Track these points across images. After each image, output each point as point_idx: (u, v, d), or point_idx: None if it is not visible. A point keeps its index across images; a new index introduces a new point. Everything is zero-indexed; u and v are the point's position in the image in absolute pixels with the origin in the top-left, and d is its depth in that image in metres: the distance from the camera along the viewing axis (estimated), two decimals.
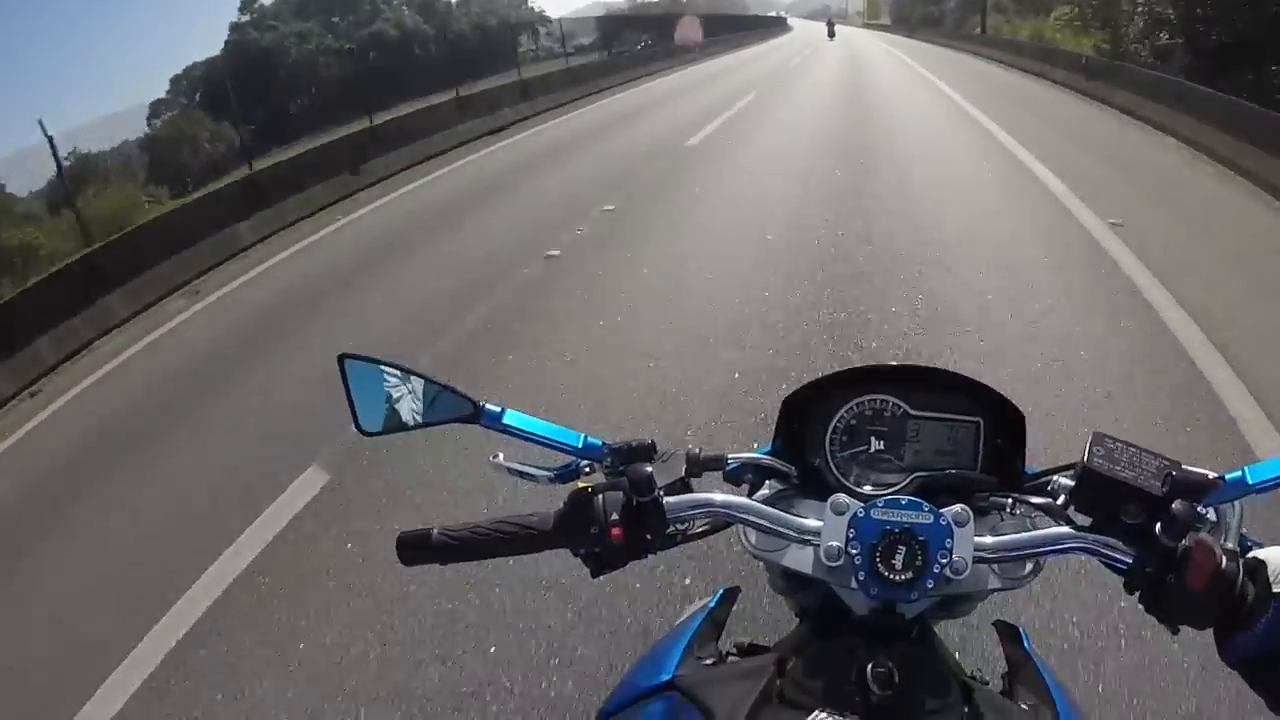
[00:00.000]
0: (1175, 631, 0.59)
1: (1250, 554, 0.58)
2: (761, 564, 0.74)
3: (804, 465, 0.80)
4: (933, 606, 0.71)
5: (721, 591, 0.91)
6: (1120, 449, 0.63)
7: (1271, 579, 0.54)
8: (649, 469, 0.65)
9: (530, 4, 67.86)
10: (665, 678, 0.70)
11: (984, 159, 7.54)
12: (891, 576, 0.61)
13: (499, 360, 3.92)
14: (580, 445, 0.75)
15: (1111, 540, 0.61)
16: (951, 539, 0.62)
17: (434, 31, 48.40)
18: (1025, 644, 0.83)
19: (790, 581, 0.78)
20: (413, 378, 0.72)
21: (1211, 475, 0.61)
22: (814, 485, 0.78)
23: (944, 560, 0.61)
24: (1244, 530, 0.63)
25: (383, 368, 0.72)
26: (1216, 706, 1.75)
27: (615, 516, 0.64)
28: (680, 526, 0.69)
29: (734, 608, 0.89)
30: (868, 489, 0.76)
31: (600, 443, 0.75)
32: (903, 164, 7.38)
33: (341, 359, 0.71)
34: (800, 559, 0.69)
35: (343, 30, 49.08)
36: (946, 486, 0.73)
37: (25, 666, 2.49)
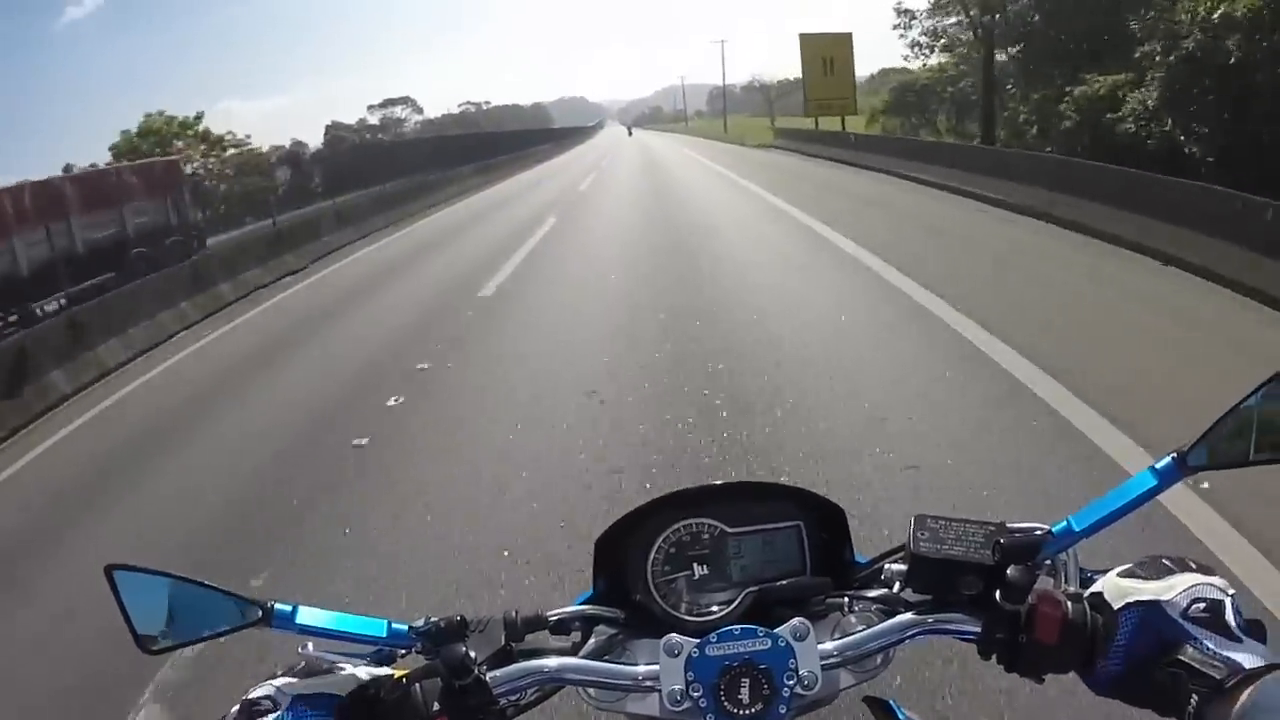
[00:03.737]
0: (1041, 681, 0.59)
1: (1089, 590, 0.59)
2: None
3: (631, 603, 0.76)
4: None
5: None
6: (943, 526, 0.63)
7: (1112, 602, 0.56)
8: (463, 648, 0.61)
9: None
10: None
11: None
12: (741, 712, 0.58)
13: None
14: (385, 634, 0.68)
15: (956, 615, 0.61)
16: (794, 658, 0.60)
17: None
18: (899, 715, 0.81)
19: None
20: (192, 586, 0.65)
21: (1038, 531, 0.63)
22: (645, 622, 0.74)
23: (791, 682, 0.59)
24: (1081, 566, 0.64)
25: (157, 578, 0.65)
26: None
27: (437, 706, 0.60)
28: (512, 699, 0.64)
29: None
30: (701, 614, 0.73)
31: (406, 628, 0.67)
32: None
33: (110, 570, 0.63)
34: (646, 705, 0.64)
35: None
36: (780, 598, 0.71)
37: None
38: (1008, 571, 0.58)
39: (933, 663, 2.09)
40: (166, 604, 0.64)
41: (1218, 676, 0.49)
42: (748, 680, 0.58)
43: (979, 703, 2.00)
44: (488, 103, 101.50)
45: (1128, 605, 0.55)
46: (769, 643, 0.60)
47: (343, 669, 0.63)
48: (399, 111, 72.70)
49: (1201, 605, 0.53)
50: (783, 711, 0.58)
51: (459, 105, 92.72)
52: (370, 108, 71.78)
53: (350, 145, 48.68)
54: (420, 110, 74.54)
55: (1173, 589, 0.54)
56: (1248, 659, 0.49)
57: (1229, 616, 0.52)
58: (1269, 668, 0.48)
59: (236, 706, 0.60)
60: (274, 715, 0.59)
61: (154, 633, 0.64)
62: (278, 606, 0.65)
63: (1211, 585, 0.54)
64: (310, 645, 0.65)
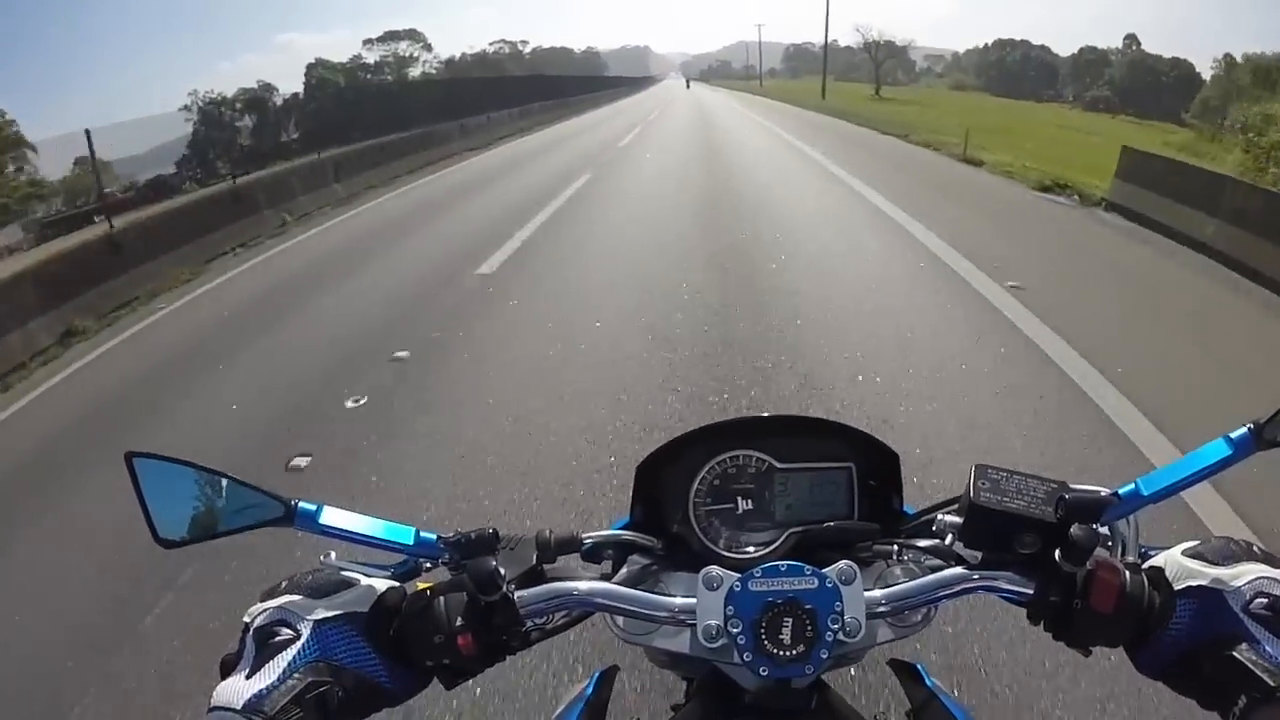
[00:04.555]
0: (1087, 654, 0.57)
1: (1148, 563, 0.57)
2: None
3: (668, 535, 0.74)
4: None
5: (597, 675, 0.84)
6: (1005, 478, 0.60)
7: (1172, 580, 0.54)
8: (493, 562, 0.58)
9: None
10: None
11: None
12: (781, 653, 0.56)
13: None
14: (412, 542, 0.65)
15: (1009, 574, 0.58)
16: (841, 601, 0.57)
17: None
18: (926, 680, 0.80)
19: (672, 656, 0.71)
20: (215, 477, 0.62)
21: (1104, 492, 0.59)
22: (682, 555, 0.72)
23: (835, 626, 0.57)
24: (1140, 540, 0.61)
25: (180, 467, 0.61)
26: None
27: (460, 622, 0.57)
28: (538, 622, 0.62)
29: (616, 686, 0.81)
30: (740, 553, 0.71)
31: (435, 537, 0.65)
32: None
33: (130, 457, 0.60)
34: (677, 640, 0.63)
35: None
36: (825, 540, 0.69)
37: None
38: (1071, 530, 0.55)
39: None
40: (187, 496, 0.61)
41: (1271, 684, 0.47)
42: (791, 620, 0.56)
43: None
44: (524, 43, 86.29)
45: (1188, 589, 0.53)
46: (816, 582, 0.57)
47: (358, 581, 0.59)
48: (403, 48, 59.09)
49: (1265, 601, 0.51)
50: (824, 657, 0.56)
51: (491, 44, 79.12)
52: (368, 43, 58.21)
53: (335, 90, 37.87)
54: (430, 47, 60.25)
55: (1237, 578, 0.52)
56: None
57: None
58: None
59: (248, 631, 0.55)
60: (299, 644, 0.54)
61: (171, 526, 0.61)
62: (301, 505, 0.63)
63: (1278, 579, 0.52)
64: (333, 555, 0.63)
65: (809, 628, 0.56)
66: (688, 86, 34.14)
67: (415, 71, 56.94)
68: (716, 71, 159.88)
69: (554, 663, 1.99)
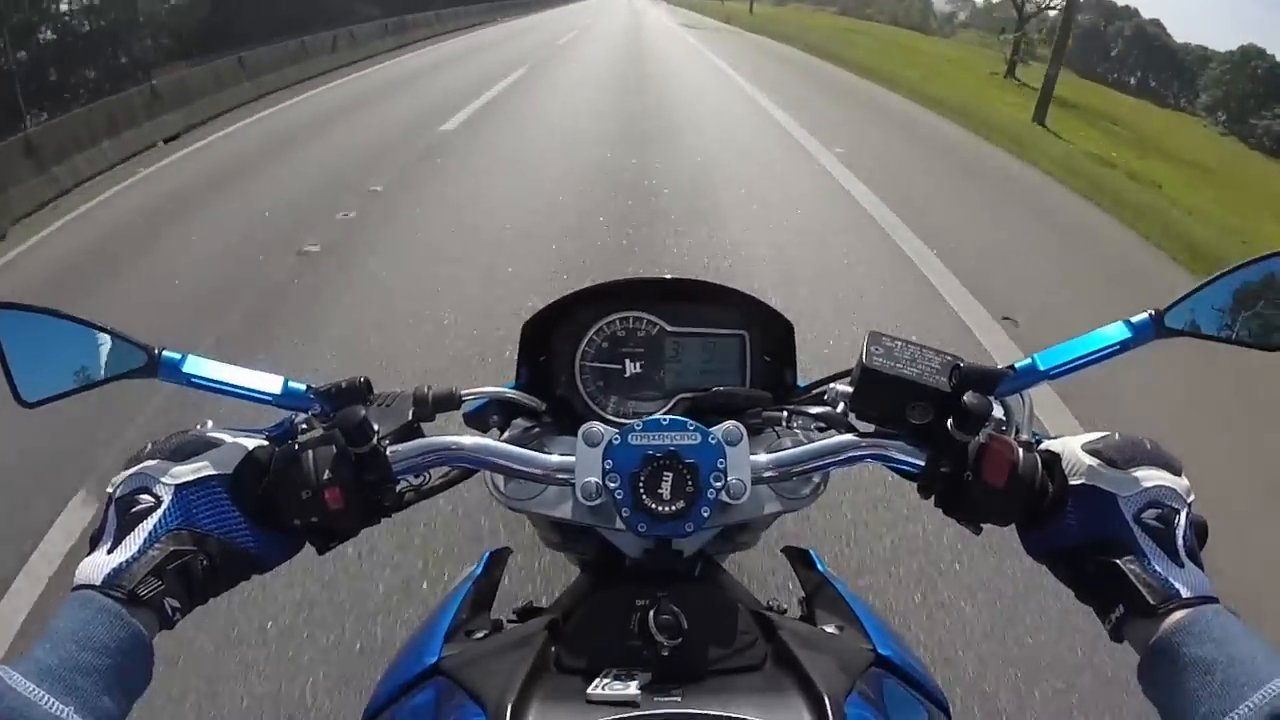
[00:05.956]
0: (978, 531, 0.57)
1: (1044, 445, 0.57)
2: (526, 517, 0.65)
3: (554, 398, 0.71)
4: (714, 539, 0.66)
5: (487, 555, 0.83)
6: (899, 346, 0.59)
7: (1068, 471, 0.54)
8: (363, 412, 0.54)
9: None
10: (429, 662, 0.62)
11: None
12: (660, 509, 0.54)
13: None
14: (280, 392, 0.61)
15: (900, 443, 0.58)
16: (724, 459, 0.56)
17: None
18: (819, 566, 0.82)
19: (561, 533, 0.71)
20: (76, 326, 0.57)
21: (1000, 366, 0.59)
22: (567, 419, 0.70)
23: (718, 484, 0.55)
24: (1032, 423, 0.61)
25: (44, 318, 0.56)
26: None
27: (328, 475, 0.53)
28: (413, 481, 0.59)
29: (508, 569, 0.79)
30: (627, 417, 0.70)
31: (305, 388, 0.61)
32: None
33: None
34: (559, 504, 0.61)
35: None
36: (714, 406, 0.67)
37: None
38: (964, 398, 0.54)
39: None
40: (50, 348, 0.57)
41: (1150, 601, 0.47)
42: (670, 475, 0.54)
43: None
44: None
45: (1082, 486, 0.53)
46: (699, 438, 0.56)
47: (223, 441, 0.55)
48: None
49: (1156, 513, 0.51)
50: (705, 514, 0.55)
51: None
52: None
53: None
54: None
55: (1133, 484, 0.52)
56: (1184, 587, 0.48)
57: (1179, 530, 0.50)
58: (1200, 599, 0.47)
59: (109, 504, 0.52)
60: (159, 511, 0.50)
61: (34, 383, 0.57)
62: (165, 353, 0.59)
63: (1173, 489, 0.52)
64: (210, 424, 0.58)
65: (689, 483, 0.54)
66: None
67: None
68: None
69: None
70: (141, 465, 0.53)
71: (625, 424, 0.57)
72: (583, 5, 39.14)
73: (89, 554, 0.50)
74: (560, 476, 0.57)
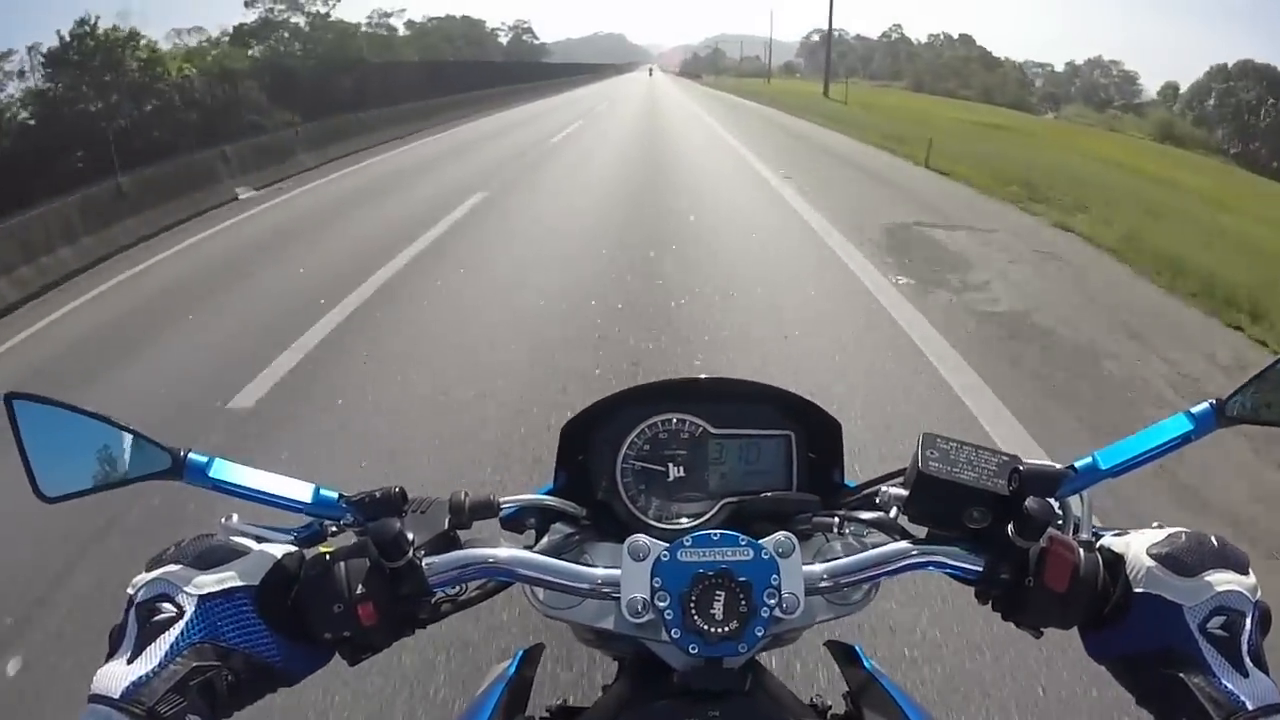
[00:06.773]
0: (1039, 635, 0.55)
1: (1102, 544, 0.55)
2: None
3: (594, 503, 0.70)
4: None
5: (520, 653, 0.80)
6: (955, 449, 0.57)
7: (1131, 576, 0.52)
8: (399, 524, 0.53)
9: None
10: None
11: None
12: (712, 630, 0.52)
13: None
14: (310, 500, 0.60)
15: (957, 549, 0.56)
16: (778, 574, 0.53)
17: None
18: (865, 663, 0.78)
19: (597, 633, 0.68)
20: (101, 424, 0.57)
21: (1059, 466, 0.57)
22: (609, 525, 0.68)
23: (772, 601, 0.53)
24: (1094, 520, 0.59)
25: (63, 412, 0.56)
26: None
27: (361, 589, 0.51)
28: (450, 593, 0.58)
29: (544, 667, 0.76)
30: (671, 523, 0.68)
31: (336, 496, 0.60)
32: None
33: (9, 400, 0.55)
34: (600, 614, 0.59)
35: None
36: (761, 512, 0.65)
37: None
38: (1026, 503, 0.52)
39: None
40: (70, 444, 0.57)
41: (1214, 716, 0.46)
42: (723, 594, 0.52)
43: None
44: (402, 12, 58.34)
45: (1148, 594, 0.51)
46: (751, 553, 0.53)
47: (250, 550, 0.53)
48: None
49: (1222, 620, 0.49)
50: (759, 635, 0.52)
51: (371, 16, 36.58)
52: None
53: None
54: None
55: (1199, 593, 0.50)
56: (1248, 699, 0.46)
57: (1244, 637, 0.49)
58: (1264, 710, 0.46)
59: (131, 606, 0.50)
60: (181, 623, 0.49)
61: (54, 478, 0.56)
62: (191, 456, 0.58)
63: (1240, 592, 0.50)
64: (235, 517, 0.58)
65: (743, 602, 0.52)
66: (650, 75, 33.30)
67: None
68: (705, 64, 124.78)
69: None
70: (164, 570, 0.51)
71: (672, 535, 0.55)
72: (585, 91, 34.77)
73: (107, 660, 0.48)
74: (605, 590, 0.55)
